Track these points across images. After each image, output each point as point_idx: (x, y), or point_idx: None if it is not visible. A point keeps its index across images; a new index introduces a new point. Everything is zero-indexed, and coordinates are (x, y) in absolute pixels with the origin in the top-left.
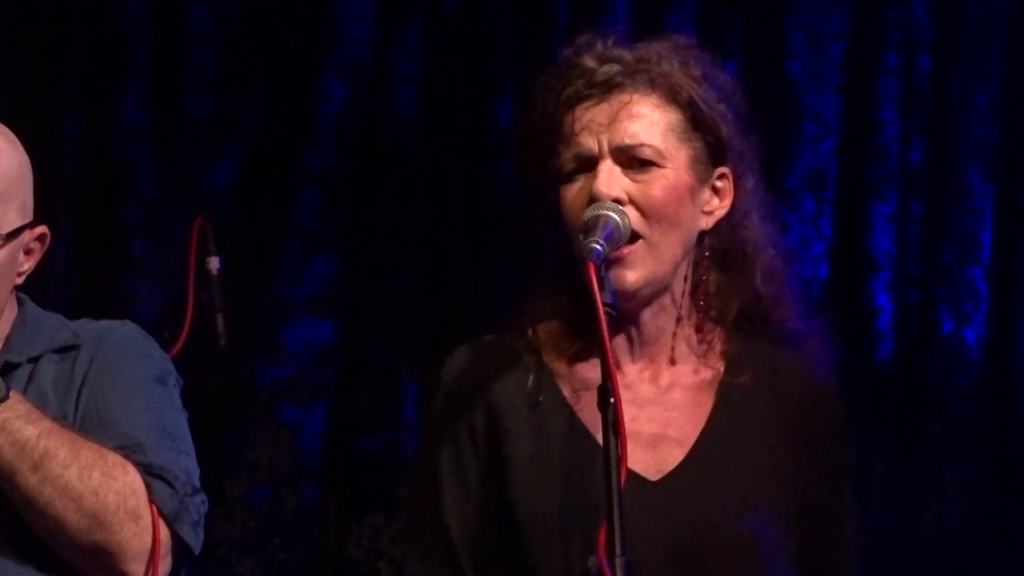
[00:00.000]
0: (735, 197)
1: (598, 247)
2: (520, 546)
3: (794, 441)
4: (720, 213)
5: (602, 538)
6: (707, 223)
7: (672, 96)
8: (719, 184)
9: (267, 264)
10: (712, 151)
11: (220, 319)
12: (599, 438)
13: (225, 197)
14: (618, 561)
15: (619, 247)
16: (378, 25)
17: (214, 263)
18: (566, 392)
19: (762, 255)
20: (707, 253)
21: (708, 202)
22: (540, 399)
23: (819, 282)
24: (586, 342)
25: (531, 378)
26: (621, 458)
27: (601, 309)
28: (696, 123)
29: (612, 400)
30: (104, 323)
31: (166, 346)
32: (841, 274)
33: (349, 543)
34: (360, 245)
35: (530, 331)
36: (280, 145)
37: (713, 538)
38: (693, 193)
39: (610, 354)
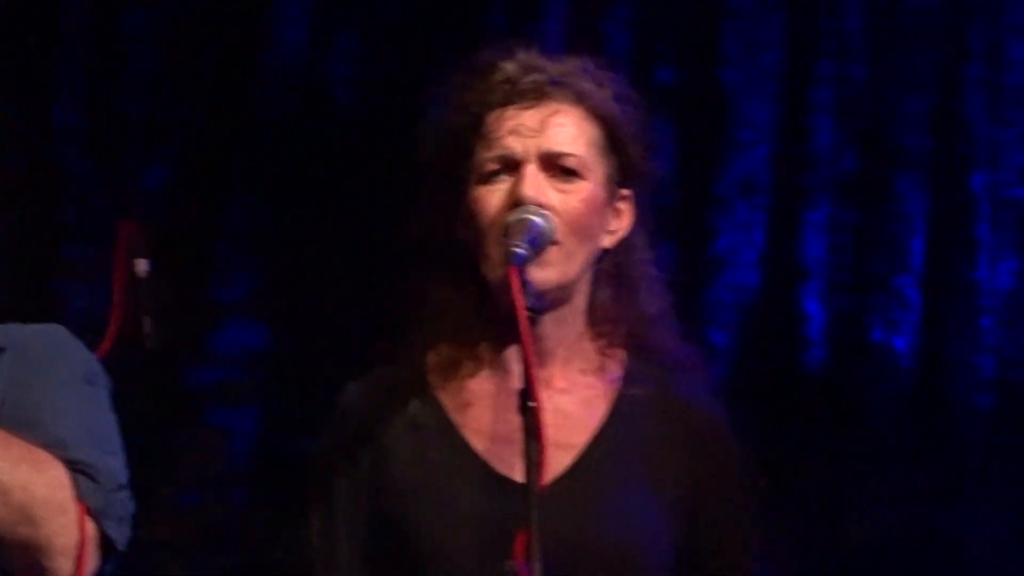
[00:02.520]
0: (631, 221)
1: (521, 251)
2: (417, 572)
3: (682, 461)
4: (620, 234)
5: (520, 542)
6: (608, 242)
7: (595, 112)
8: (621, 206)
9: (198, 267)
10: (621, 172)
11: (148, 322)
12: (484, 452)
13: (157, 200)
14: (536, 566)
15: (542, 250)
16: (313, 30)
17: (142, 265)
18: (451, 412)
19: (646, 279)
20: (604, 271)
21: (611, 222)
22: (420, 423)
23: (749, 289)
24: (476, 358)
25: (413, 403)
26: (540, 464)
27: (524, 312)
28: (613, 142)
29: (532, 404)
30: (32, 326)
31: (93, 348)
32: (772, 281)
33: (278, 547)
34: (292, 249)
35: (419, 358)
36: (214, 149)
37: (595, 547)
38: (603, 210)
39: (533, 358)
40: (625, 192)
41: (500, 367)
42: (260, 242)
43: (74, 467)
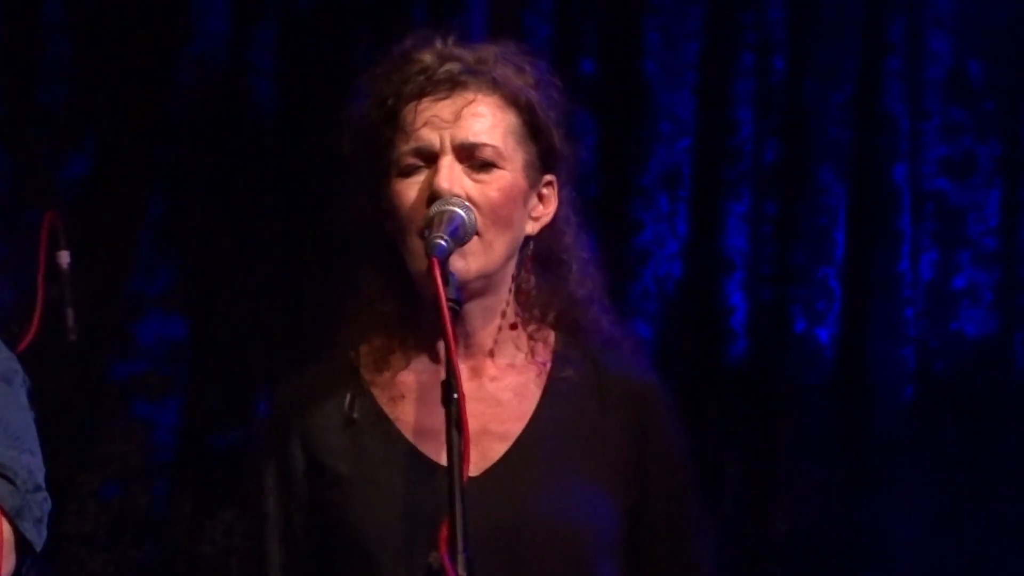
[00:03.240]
0: (557, 205)
1: (442, 242)
2: (358, 566)
3: (620, 437)
4: (545, 220)
5: (444, 534)
6: (532, 228)
7: (512, 99)
8: (545, 191)
9: (120, 259)
10: (543, 158)
11: (70, 314)
12: (415, 441)
13: (78, 191)
14: (460, 557)
15: (463, 243)
16: (234, 19)
17: (64, 257)
18: (384, 405)
19: (577, 262)
20: (529, 256)
21: (535, 208)
22: (355, 416)
23: (673, 281)
24: (406, 350)
25: (347, 398)
26: (464, 454)
27: (445, 304)
28: (532, 128)
29: (455, 395)
30: None
31: (15, 341)
32: (695, 273)
33: (202, 540)
34: (214, 241)
35: (351, 352)
36: (134, 139)
37: (534, 532)
38: (524, 197)
39: (454, 350)
40: (549, 177)
41: (429, 359)
42: (181, 234)
43: None
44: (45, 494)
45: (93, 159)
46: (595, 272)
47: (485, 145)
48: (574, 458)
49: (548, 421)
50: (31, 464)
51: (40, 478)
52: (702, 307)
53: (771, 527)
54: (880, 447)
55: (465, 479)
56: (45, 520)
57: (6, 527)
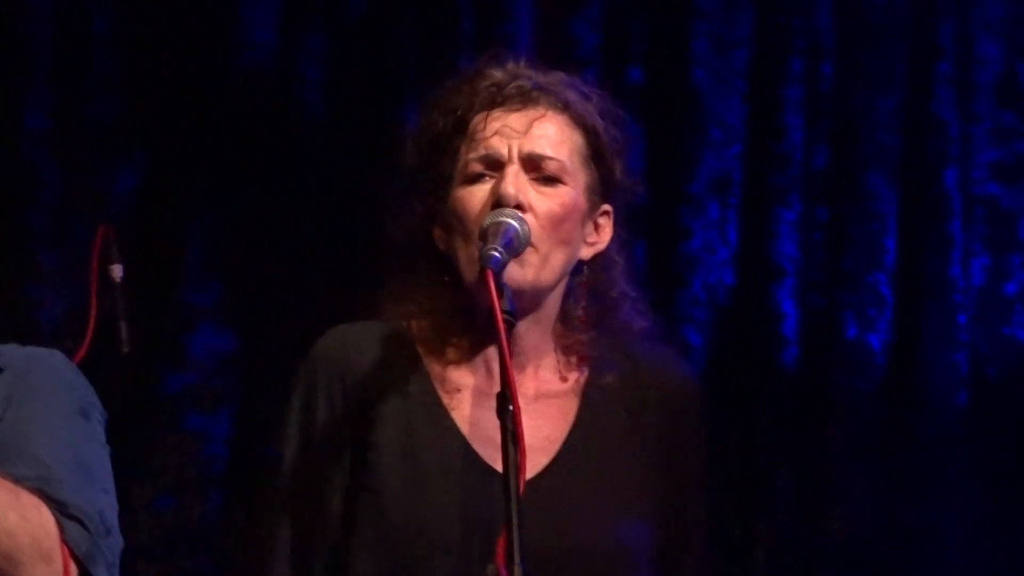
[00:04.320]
0: (611, 238)
1: (496, 254)
2: (383, 534)
3: (657, 437)
4: (599, 248)
5: (501, 546)
6: (586, 254)
7: (579, 121)
8: (601, 221)
9: (172, 271)
10: (603, 185)
11: (123, 326)
12: (470, 440)
13: (129, 204)
14: (516, 569)
15: (517, 254)
16: (282, 31)
17: (117, 270)
18: (439, 390)
19: (624, 299)
20: (583, 283)
21: (590, 234)
22: (410, 392)
23: (724, 288)
24: (460, 345)
25: (405, 368)
26: (520, 466)
27: (501, 316)
28: (596, 152)
29: (511, 408)
30: (31, 349)
31: (69, 354)
32: (746, 280)
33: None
34: (265, 252)
35: (407, 323)
36: (185, 152)
37: (575, 545)
38: (583, 219)
39: (509, 362)
40: (606, 207)
41: (482, 365)
42: (232, 245)
43: (64, 511)
44: (118, 537)
45: (144, 172)
46: (643, 311)
47: (552, 159)
48: (612, 470)
49: (585, 434)
50: (103, 504)
51: (113, 518)
52: (753, 314)
53: (824, 533)
54: (932, 453)
55: (525, 482)
56: (116, 563)
57: (74, 572)
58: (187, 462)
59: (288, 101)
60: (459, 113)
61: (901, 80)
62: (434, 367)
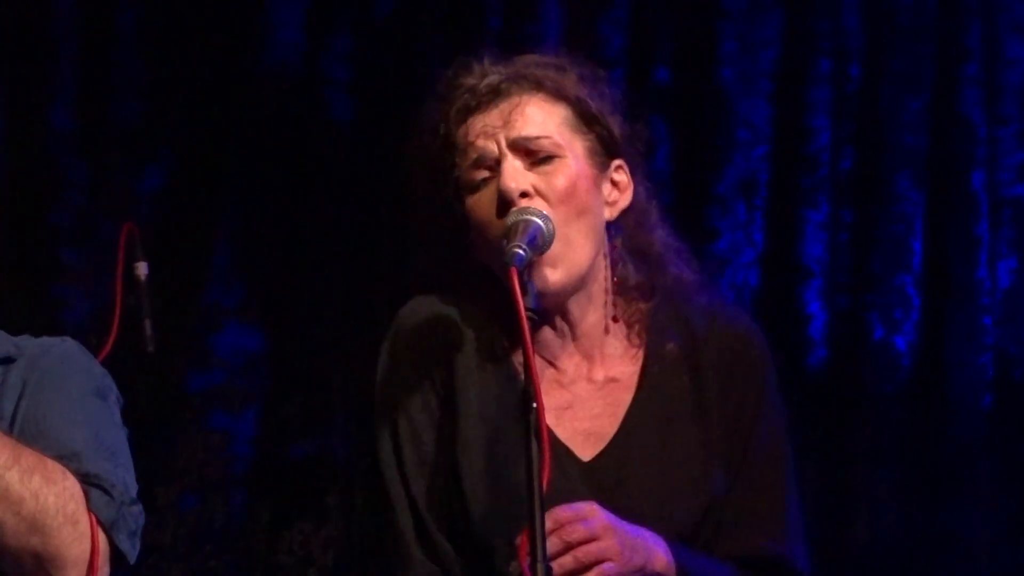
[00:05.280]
0: (634, 189)
1: (521, 252)
2: (464, 511)
3: (720, 401)
4: (623, 204)
5: (524, 542)
6: (611, 214)
7: (557, 94)
8: (617, 177)
9: (197, 270)
10: (605, 144)
11: (148, 325)
12: (553, 427)
13: (155, 203)
14: (540, 567)
15: (542, 252)
16: (308, 31)
17: (142, 268)
18: (517, 365)
19: (667, 249)
20: (619, 247)
21: (610, 193)
22: (492, 365)
23: (750, 289)
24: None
25: (483, 340)
26: (543, 464)
27: (524, 315)
28: (584, 117)
29: (535, 405)
30: (45, 339)
31: (94, 352)
32: (772, 281)
33: (279, 550)
34: (290, 252)
35: (477, 303)
36: (210, 151)
37: (638, 512)
38: (596, 183)
39: (533, 359)
40: (618, 162)
41: (548, 352)
42: (257, 245)
43: (87, 480)
44: (140, 507)
45: (169, 171)
46: (688, 256)
47: (539, 137)
48: (676, 442)
49: (649, 400)
50: (126, 477)
51: (134, 492)
52: (779, 316)
53: (850, 534)
54: (958, 455)
55: (545, 488)
56: (139, 533)
57: (102, 538)
58: (212, 461)
59: (314, 101)
60: (442, 130)
61: (928, 82)
62: (510, 345)
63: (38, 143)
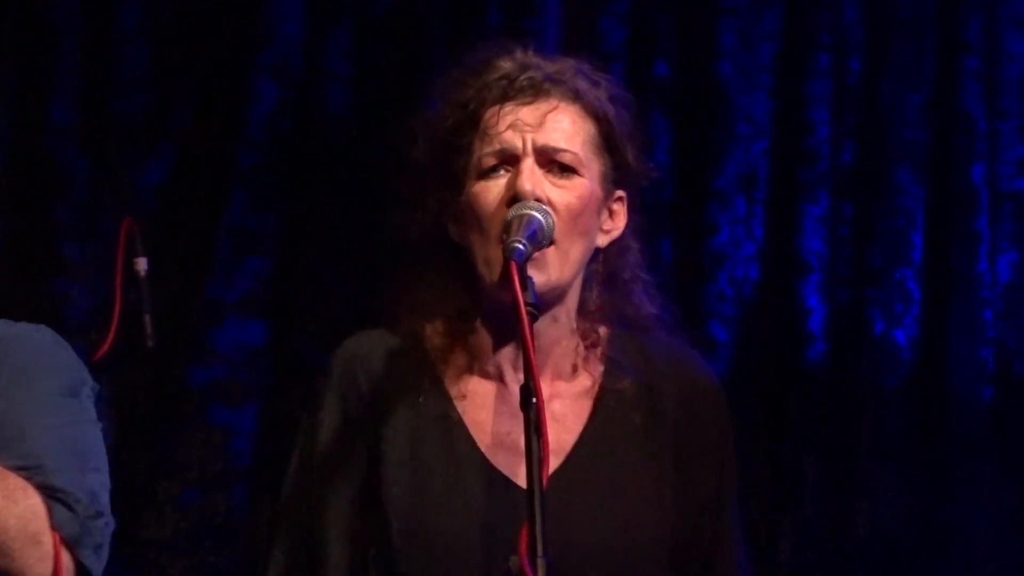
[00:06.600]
0: (625, 223)
1: (520, 246)
2: (391, 547)
3: (670, 438)
4: (614, 234)
5: (523, 537)
6: (603, 241)
7: (591, 110)
8: (615, 207)
9: (198, 265)
10: (616, 172)
11: (148, 320)
12: (483, 449)
13: (156, 198)
14: (539, 561)
15: (540, 248)
16: (309, 25)
17: (142, 264)
18: (452, 399)
19: (638, 283)
20: (598, 271)
21: (606, 221)
22: (421, 400)
23: (750, 283)
24: (473, 350)
25: (417, 377)
26: (543, 459)
27: (524, 309)
28: (608, 140)
29: (535, 400)
30: (21, 326)
31: (93, 347)
32: (772, 275)
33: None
34: (291, 246)
35: (421, 329)
36: (211, 145)
37: (585, 549)
38: (599, 208)
39: (533, 355)
40: (620, 193)
41: (495, 368)
42: (258, 239)
43: (51, 494)
44: (108, 518)
45: (170, 166)
46: (654, 295)
47: (566, 151)
48: (624, 475)
49: (598, 438)
50: (94, 484)
51: (104, 499)
52: (779, 310)
53: (850, 528)
54: (959, 448)
55: (545, 483)
56: (107, 545)
57: (65, 556)
58: (212, 456)
59: (315, 95)
60: (470, 107)
61: (928, 75)
62: (447, 374)
63: (39, 138)
